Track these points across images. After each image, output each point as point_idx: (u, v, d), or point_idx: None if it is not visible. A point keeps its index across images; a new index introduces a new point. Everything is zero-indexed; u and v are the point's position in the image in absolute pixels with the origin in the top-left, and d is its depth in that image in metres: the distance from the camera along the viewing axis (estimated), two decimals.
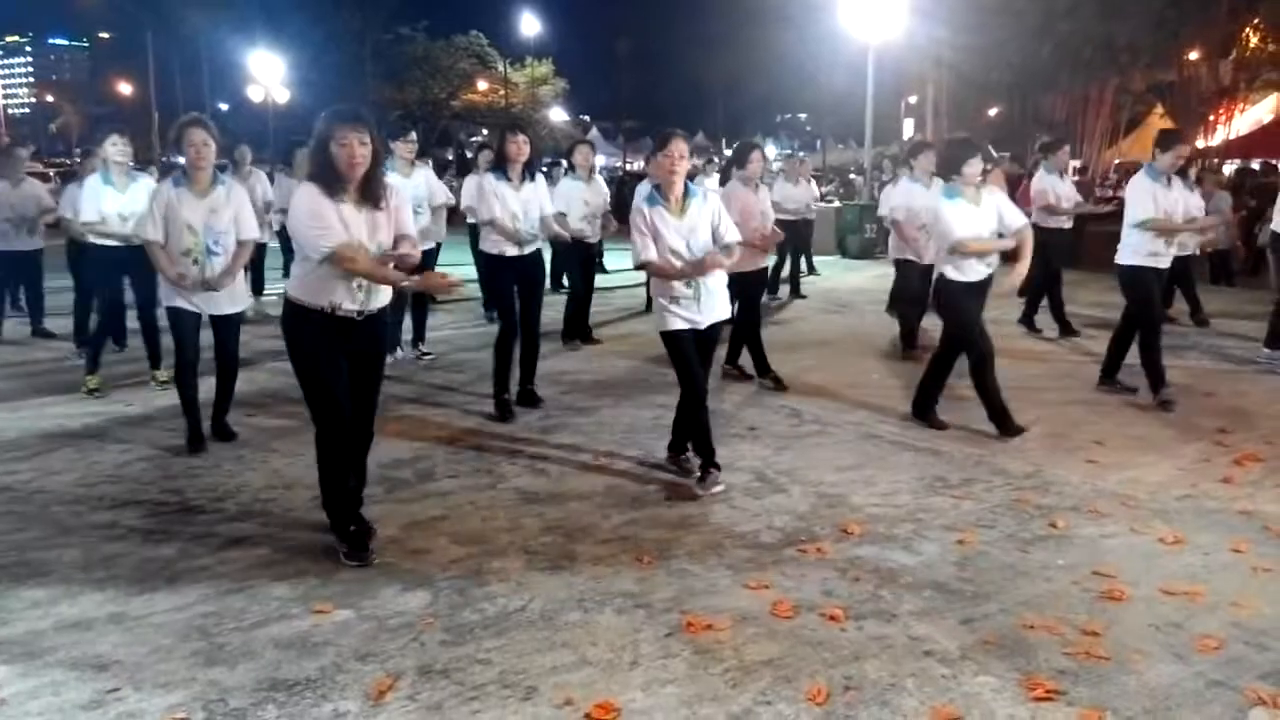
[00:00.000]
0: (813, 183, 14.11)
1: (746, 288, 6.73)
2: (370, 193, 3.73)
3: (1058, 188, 8.97)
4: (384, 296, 3.88)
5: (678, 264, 4.63)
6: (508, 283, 6.19)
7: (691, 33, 46.09)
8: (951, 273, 5.55)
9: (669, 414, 6.08)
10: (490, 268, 6.41)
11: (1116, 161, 30.94)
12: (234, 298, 5.36)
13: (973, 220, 5.46)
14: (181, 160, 5.20)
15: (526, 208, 6.07)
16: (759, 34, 36.16)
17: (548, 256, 7.09)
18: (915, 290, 7.93)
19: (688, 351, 4.72)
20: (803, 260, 12.46)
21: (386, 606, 3.47)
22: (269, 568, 3.79)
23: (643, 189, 5.86)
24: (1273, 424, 5.86)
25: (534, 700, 2.88)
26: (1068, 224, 9.18)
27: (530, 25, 48.82)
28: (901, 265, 8.38)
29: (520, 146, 5.99)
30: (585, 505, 4.54)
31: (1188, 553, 3.98)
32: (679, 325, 4.70)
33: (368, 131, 3.63)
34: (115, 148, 6.49)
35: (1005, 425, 5.58)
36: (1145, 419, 5.99)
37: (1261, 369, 7.41)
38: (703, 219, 4.70)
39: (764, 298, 8.35)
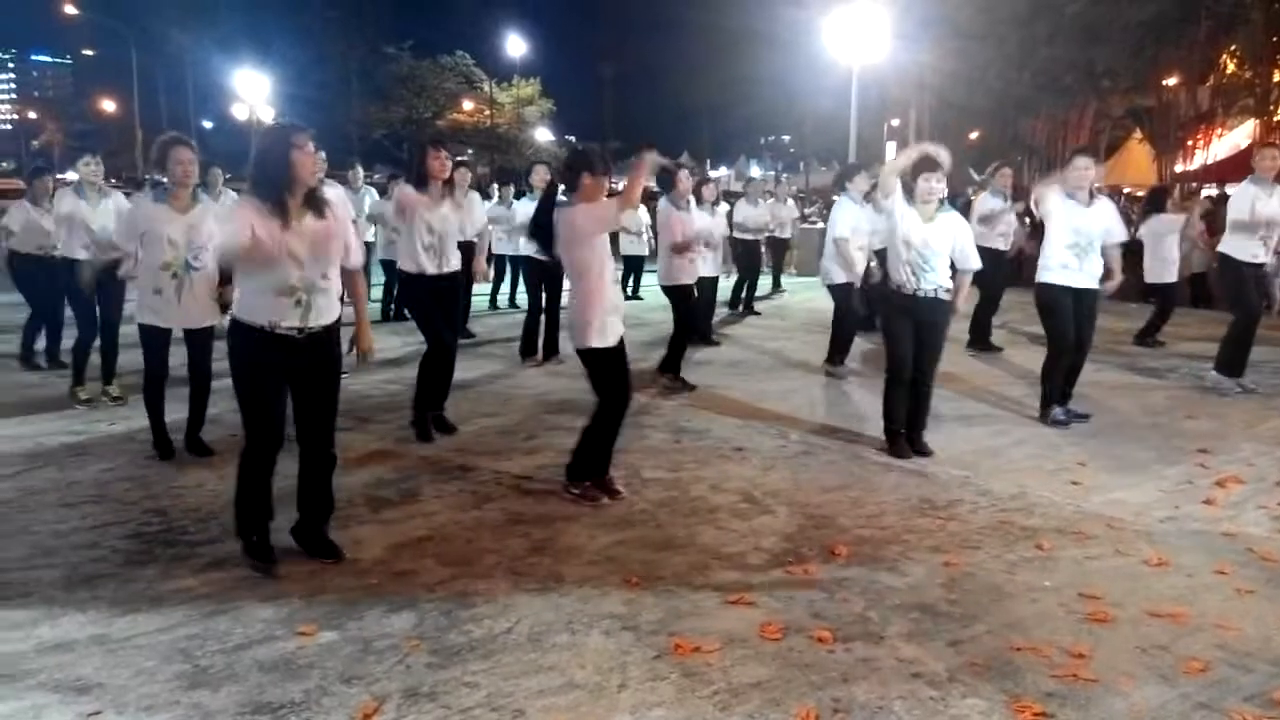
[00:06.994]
0: (790, 202, 14.67)
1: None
2: (315, 202, 3.87)
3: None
4: (329, 315, 3.89)
5: None
6: (426, 302, 6.04)
7: (677, 55, 46.45)
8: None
9: (655, 434, 6.13)
10: (406, 287, 6.37)
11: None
12: (206, 311, 5.44)
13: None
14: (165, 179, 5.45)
15: (444, 225, 5.95)
16: (744, 56, 36.50)
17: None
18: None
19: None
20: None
21: (372, 628, 3.44)
22: (253, 589, 3.76)
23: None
24: (1253, 446, 5.90)
25: None
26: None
27: (516, 46, 49.10)
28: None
29: (443, 163, 5.89)
30: (571, 526, 4.52)
31: (1172, 575, 4.01)
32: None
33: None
34: (88, 168, 6.94)
35: None
36: (1126, 441, 6.03)
37: (1241, 392, 7.44)
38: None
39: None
